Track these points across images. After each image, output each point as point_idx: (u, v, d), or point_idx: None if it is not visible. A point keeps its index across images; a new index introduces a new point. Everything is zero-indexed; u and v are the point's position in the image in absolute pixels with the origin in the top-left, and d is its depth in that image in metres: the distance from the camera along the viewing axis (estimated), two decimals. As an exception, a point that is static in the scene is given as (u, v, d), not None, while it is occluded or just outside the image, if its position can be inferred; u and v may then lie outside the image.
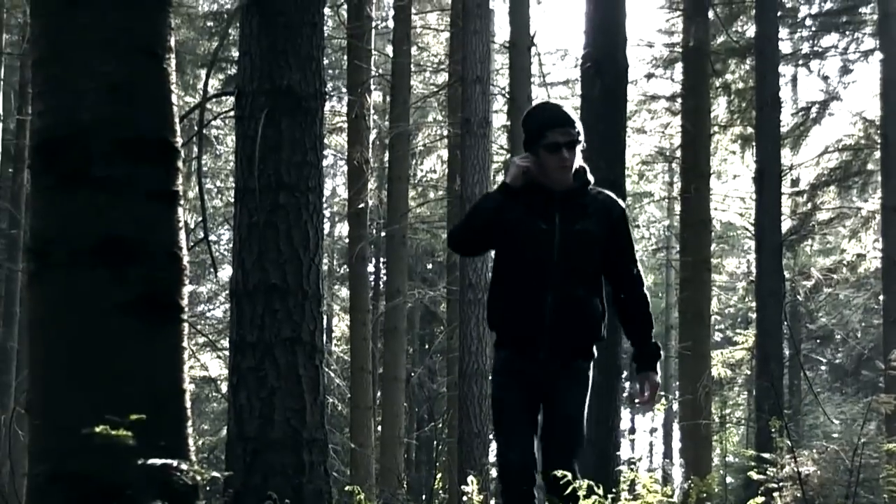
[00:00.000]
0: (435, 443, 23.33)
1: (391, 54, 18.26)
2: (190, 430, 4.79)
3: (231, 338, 5.84)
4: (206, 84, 8.03)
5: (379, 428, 18.13)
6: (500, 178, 15.07)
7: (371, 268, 24.37)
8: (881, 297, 16.47)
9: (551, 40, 47.55)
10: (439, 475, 7.49)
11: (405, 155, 17.77)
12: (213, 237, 22.31)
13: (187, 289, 4.87)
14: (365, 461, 16.21)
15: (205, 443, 20.80)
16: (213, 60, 13.06)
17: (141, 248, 4.67)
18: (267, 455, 5.53)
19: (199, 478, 4.46)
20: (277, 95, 5.81)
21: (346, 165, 20.10)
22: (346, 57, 18.92)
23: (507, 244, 4.71)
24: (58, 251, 4.64)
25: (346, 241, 20.21)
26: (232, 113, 6.25)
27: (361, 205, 16.72)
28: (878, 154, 16.76)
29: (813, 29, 18.85)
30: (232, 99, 6.15)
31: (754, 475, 7.65)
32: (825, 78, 18.83)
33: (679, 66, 18.67)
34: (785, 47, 18.27)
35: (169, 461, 4.20)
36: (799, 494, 7.51)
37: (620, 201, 4.86)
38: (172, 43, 4.97)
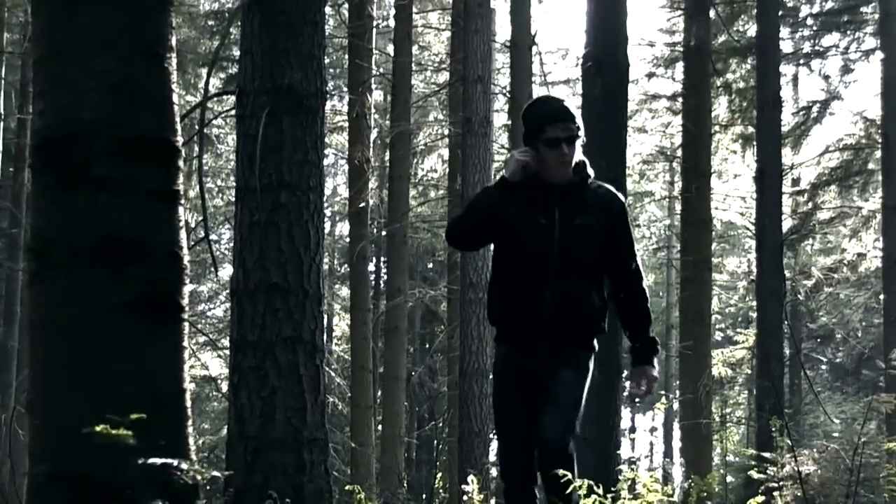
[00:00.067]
0: (435, 442, 23.30)
1: (392, 53, 18.25)
2: (190, 430, 4.80)
3: (232, 337, 5.84)
4: (207, 83, 8.05)
5: (379, 427, 18.13)
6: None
7: (372, 267, 24.38)
8: (881, 297, 16.47)
9: (552, 39, 47.67)
10: (440, 474, 7.48)
11: (406, 154, 17.77)
12: (213, 236, 22.30)
13: (188, 288, 4.88)
14: (365, 460, 16.21)
15: (205, 442, 20.77)
16: (215, 59, 13.06)
17: (141, 248, 4.68)
18: (268, 454, 5.53)
19: (199, 477, 4.47)
20: (279, 94, 5.81)
21: (346, 164, 20.10)
22: (347, 56, 18.93)
23: (507, 239, 4.68)
24: (58, 250, 4.65)
25: (347, 240, 20.20)
26: (233, 112, 6.25)
27: (362, 204, 16.72)
28: (878, 153, 16.76)
29: (814, 28, 18.85)
30: (233, 98, 6.15)
31: (755, 474, 7.66)
32: (826, 77, 18.83)
33: (680, 66, 18.67)
34: (786, 47, 18.28)
35: (169, 460, 4.20)
36: (799, 493, 7.51)
37: (620, 195, 4.84)
38: (173, 42, 4.97)
